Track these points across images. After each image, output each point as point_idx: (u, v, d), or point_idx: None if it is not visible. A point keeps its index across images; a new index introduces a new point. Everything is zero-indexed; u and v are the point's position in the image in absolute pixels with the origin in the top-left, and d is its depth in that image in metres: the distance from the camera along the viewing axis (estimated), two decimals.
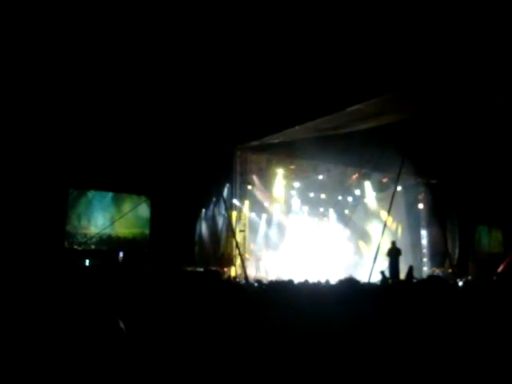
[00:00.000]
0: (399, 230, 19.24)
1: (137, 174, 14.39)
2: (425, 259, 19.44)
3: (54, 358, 1.46)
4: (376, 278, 11.18)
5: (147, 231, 15.81)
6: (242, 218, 16.41)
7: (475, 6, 7.66)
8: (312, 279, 8.20)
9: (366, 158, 15.75)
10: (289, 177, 17.89)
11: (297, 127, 12.74)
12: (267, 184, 17.45)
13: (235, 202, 16.21)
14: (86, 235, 15.07)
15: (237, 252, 14.60)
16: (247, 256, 16.00)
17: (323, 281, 8.86)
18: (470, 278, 14.94)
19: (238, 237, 15.33)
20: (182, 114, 12.11)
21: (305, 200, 18.64)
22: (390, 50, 8.93)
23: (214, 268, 13.56)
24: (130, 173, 14.31)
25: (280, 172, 17.59)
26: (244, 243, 16.07)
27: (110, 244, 15.34)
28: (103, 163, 13.78)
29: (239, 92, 11.08)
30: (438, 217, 18.14)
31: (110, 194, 15.66)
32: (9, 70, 10.34)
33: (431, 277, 4.11)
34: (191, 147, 13.64)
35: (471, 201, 17.92)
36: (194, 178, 14.44)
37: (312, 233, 18.15)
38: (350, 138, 13.39)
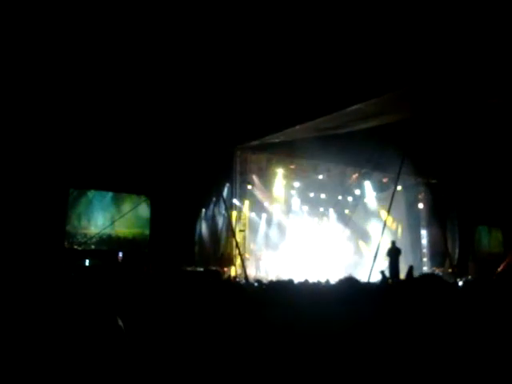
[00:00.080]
0: (399, 230, 19.25)
1: (137, 173, 14.38)
2: (425, 259, 19.44)
3: (53, 355, 1.46)
4: (376, 278, 11.17)
5: (147, 231, 15.80)
6: (242, 217, 16.41)
7: (475, 5, 7.65)
8: (312, 279, 8.19)
9: (366, 157, 15.76)
10: (289, 176, 17.90)
11: (297, 127, 12.73)
12: (267, 184, 17.45)
13: (235, 201, 16.21)
14: (85, 235, 15.07)
15: (237, 252, 14.60)
16: (247, 256, 16.00)
17: (323, 281, 8.85)
18: (470, 277, 14.93)
19: (238, 237, 15.33)
20: (181, 113, 12.11)
21: (305, 200, 18.64)
22: (390, 50, 8.93)
23: (213, 268, 13.57)
24: (130, 173, 14.31)
25: (280, 172, 17.59)
26: (244, 243, 16.08)
27: (109, 244, 15.34)
28: (103, 163, 13.78)
29: (239, 92, 11.07)
30: (438, 217, 18.14)
31: (110, 194, 15.65)
32: (9, 70, 10.33)
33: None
34: (191, 147, 13.63)
35: (471, 201, 17.93)
36: (194, 178, 14.43)
37: (312, 233, 18.15)
38: (350, 137, 13.39)
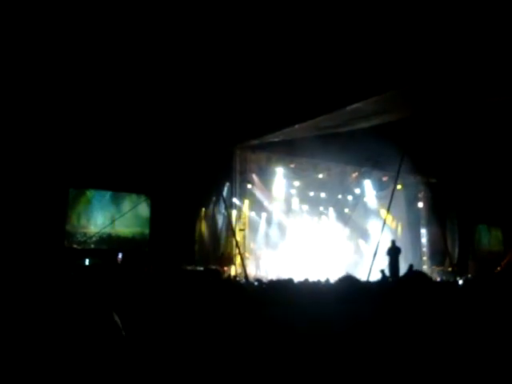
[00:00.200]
0: (399, 229, 19.26)
1: (136, 173, 14.37)
2: (425, 258, 19.45)
3: (50, 354, 1.45)
4: (375, 277, 11.17)
5: (147, 230, 15.78)
6: (242, 216, 16.41)
7: (475, 5, 7.64)
8: (312, 278, 8.19)
9: (365, 156, 15.76)
10: (289, 176, 17.89)
11: (297, 126, 12.73)
12: (267, 183, 17.45)
13: (235, 200, 16.20)
14: (85, 234, 15.05)
15: (237, 251, 14.61)
16: (247, 255, 16.01)
17: (323, 280, 8.84)
18: (470, 276, 14.93)
19: (238, 236, 15.33)
20: (181, 113, 12.10)
21: (305, 199, 18.64)
22: (390, 49, 8.92)
23: (213, 267, 13.58)
24: (130, 172, 14.30)
25: (280, 171, 17.58)
26: (244, 242, 16.08)
27: (109, 243, 15.32)
28: (103, 162, 13.77)
29: (239, 91, 11.07)
30: (438, 215, 18.15)
31: (110, 193, 15.63)
32: (9, 70, 10.33)
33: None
34: (191, 146, 13.63)
35: (471, 199, 17.94)
36: (194, 177, 14.43)
37: (312, 232, 18.15)
38: (350, 136, 13.39)
